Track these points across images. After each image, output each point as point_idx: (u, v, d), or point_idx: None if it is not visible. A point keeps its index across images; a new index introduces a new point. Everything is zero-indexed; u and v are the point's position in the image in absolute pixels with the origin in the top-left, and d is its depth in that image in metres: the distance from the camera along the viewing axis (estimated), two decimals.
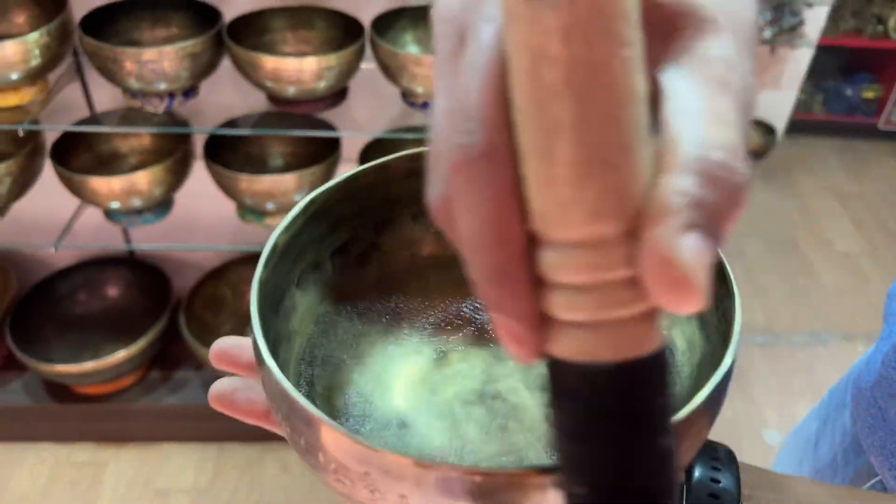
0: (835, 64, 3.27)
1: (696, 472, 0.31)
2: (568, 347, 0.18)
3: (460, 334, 0.35)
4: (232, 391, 0.29)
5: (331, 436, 0.23)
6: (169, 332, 1.68)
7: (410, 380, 0.32)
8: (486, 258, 0.18)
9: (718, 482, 0.31)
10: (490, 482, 0.21)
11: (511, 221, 0.17)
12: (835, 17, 2.92)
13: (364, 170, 0.33)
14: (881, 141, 3.15)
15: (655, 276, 0.16)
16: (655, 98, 0.17)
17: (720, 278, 0.28)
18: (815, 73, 3.07)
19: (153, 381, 1.71)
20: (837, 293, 2.33)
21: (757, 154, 2.99)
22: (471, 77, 0.17)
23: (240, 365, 0.31)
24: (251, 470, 1.69)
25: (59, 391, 1.66)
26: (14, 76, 1.24)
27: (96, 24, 1.32)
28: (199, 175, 1.53)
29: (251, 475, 1.68)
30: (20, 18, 1.37)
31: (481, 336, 0.35)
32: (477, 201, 0.17)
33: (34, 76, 1.28)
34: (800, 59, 2.94)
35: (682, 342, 0.32)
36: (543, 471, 0.21)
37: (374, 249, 0.36)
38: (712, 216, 0.16)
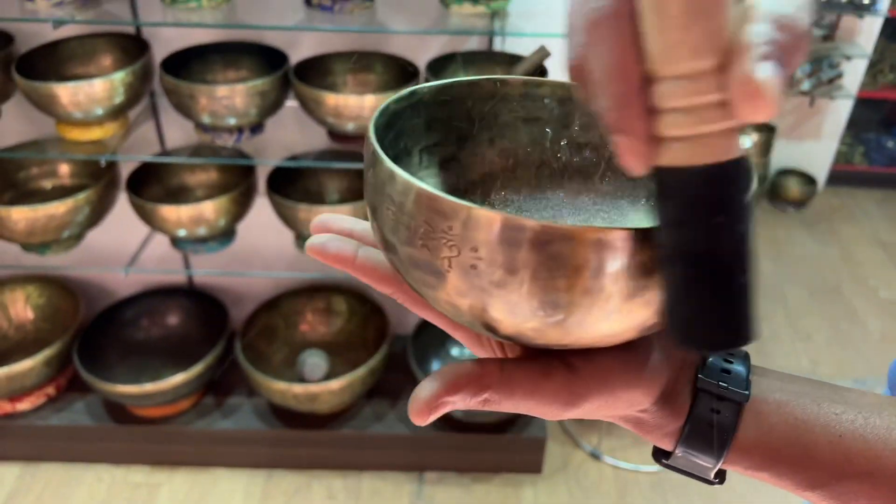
0: (875, 116, 3.30)
1: (711, 357, 0.36)
2: (673, 157, 0.25)
3: None
4: (325, 241, 0.36)
5: (424, 196, 0.28)
6: (224, 359, 1.75)
7: None
8: (611, 91, 0.25)
9: (731, 363, 0.35)
10: (546, 232, 0.26)
11: (631, 62, 0.24)
12: (874, 70, 2.96)
13: (457, 81, 0.38)
14: None
15: (739, 93, 0.22)
16: None
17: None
18: (856, 125, 3.11)
19: (207, 406, 1.78)
20: (883, 339, 2.31)
21: (798, 203, 3.02)
22: None
23: (332, 230, 0.37)
24: (298, 496, 1.73)
25: (119, 413, 1.74)
26: (99, 112, 1.36)
27: (174, 66, 1.44)
28: (261, 209, 1.63)
29: (298, 502, 1.72)
30: (107, 61, 1.50)
31: None
32: (606, 48, 0.24)
33: (117, 112, 1.40)
34: (839, 110, 2.98)
35: None
36: (590, 230, 0.26)
37: (453, 159, 0.40)
38: (782, 51, 0.22)
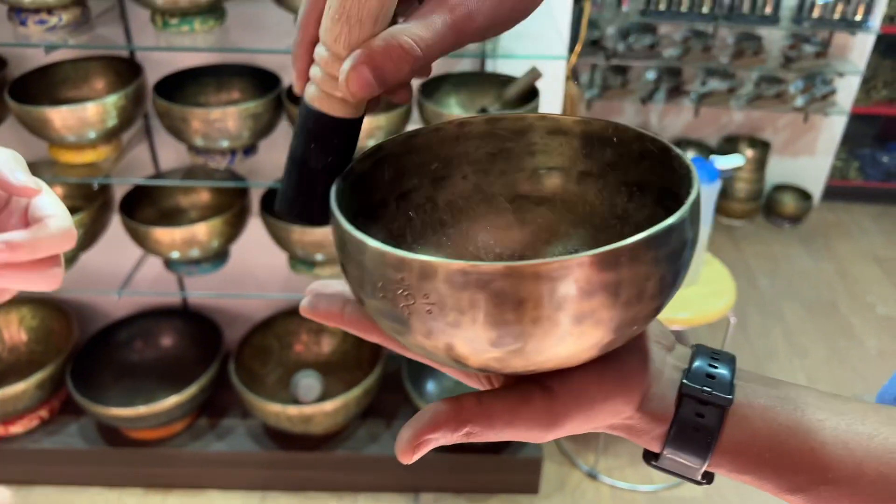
0: (869, 132, 3.31)
1: (696, 362, 0.36)
2: (307, 95, 0.36)
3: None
4: (315, 301, 0.40)
5: (376, 252, 0.30)
6: (218, 381, 1.75)
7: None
8: (297, 35, 0.35)
9: (715, 367, 0.36)
10: (485, 273, 0.28)
11: (312, 21, 0.35)
12: (867, 86, 2.98)
13: (421, 129, 0.41)
14: None
15: (341, 77, 0.32)
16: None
17: (686, 175, 0.35)
18: (850, 140, 3.12)
19: (201, 428, 1.77)
20: (880, 356, 2.31)
21: (794, 219, 3.02)
22: None
23: (323, 294, 0.41)
24: None
25: (112, 436, 1.73)
26: (92, 135, 1.36)
27: (167, 89, 1.44)
28: (254, 230, 1.63)
29: None
30: (99, 84, 1.51)
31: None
32: (303, 5, 0.35)
33: (110, 136, 1.40)
34: (834, 126, 2.99)
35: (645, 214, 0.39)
36: (524, 266, 0.28)
37: (430, 201, 0.43)
38: (376, 62, 0.32)
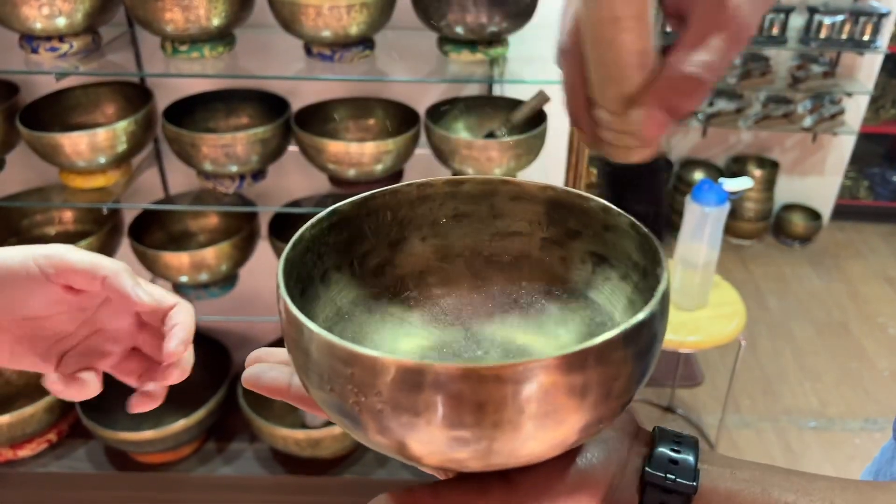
0: (878, 151, 3.30)
1: (659, 447, 0.35)
2: (606, 152, 0.39)
3: (453, 330, 0.41)
4: (259, 372, 0.37)
5: (324, 343, 0.28)
6: (226, 404, 1.74)
7: (405, 343, 0.40)
8: (568, 101, 0.39)
9: (678, 452, 0.35)
10: (443, 374, 0.26)
11: (579, 85, 0.38)
12: (875, 105, 2.97)
13: (378, 192, 0.40)
14: None
15: (638, 127, 0.36)
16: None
17: (654, 261, 0.34)
18: (859, 159, 3.11)
19: (209, 452, 1.76)
20: (893, 378, 2.28)
21: (803, 239, 3.01)
22: (566, 16, 0.38)
23: (268, 364, 0.39)
24: None
25: (120, 459, 1.73)
26: (102, 160, 1.37)
27: (176, 114, 1.45)
28: (262, 253, 1.63)
29: None
30: (110, 110, 1.52)
31: (470, 332, 0.41)
32: (565, 73, 0.39)
33: (120, 160, 1.41)
34: (842, 145, 2.99)
35: (624, 299, 0.38)
36: (485, 368, 0.26)
37: (388, 264, 0.41)
38: (667, 100, 0.35)
